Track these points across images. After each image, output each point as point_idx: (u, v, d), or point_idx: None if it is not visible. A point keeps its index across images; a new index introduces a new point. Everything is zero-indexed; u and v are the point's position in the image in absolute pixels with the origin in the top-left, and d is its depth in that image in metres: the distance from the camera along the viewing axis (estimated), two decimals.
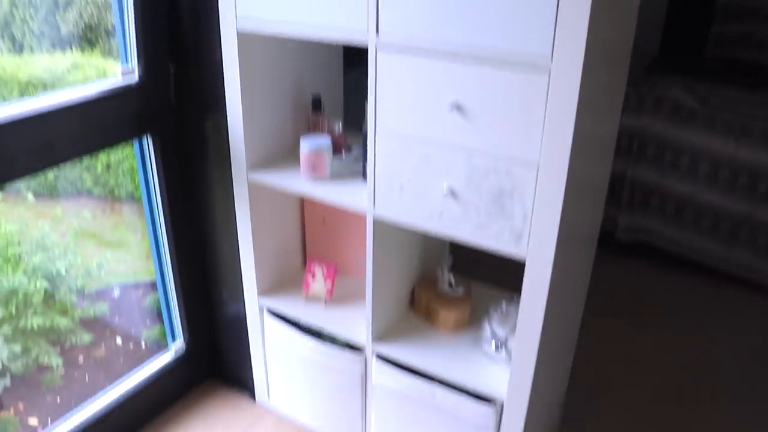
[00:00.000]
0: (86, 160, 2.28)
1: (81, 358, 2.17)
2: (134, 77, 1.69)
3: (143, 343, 2.09)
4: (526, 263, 1.37)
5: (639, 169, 2.82)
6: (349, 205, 1.57)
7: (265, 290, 1.91)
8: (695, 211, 2.75)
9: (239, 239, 1.84)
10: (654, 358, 2.39)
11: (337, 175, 1.68)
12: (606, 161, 1.66)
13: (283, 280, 1.96)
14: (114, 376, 1.99)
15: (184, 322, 2.07)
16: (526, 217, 1.33)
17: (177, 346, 2.10)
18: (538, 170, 1.28)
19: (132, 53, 1.68)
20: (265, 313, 1.91)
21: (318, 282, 1.85)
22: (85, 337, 2.15)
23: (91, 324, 2.20)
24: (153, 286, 2.23)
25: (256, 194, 1.76)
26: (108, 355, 2.20)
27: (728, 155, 2.62)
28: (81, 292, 2.19)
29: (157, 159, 1.82)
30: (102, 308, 2.24)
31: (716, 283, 2.81)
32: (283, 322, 1.87)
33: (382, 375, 1.72)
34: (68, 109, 1.55)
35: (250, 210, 1.76)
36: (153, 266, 2.03)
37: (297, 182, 1.66)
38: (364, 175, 1.62)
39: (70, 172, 2.27)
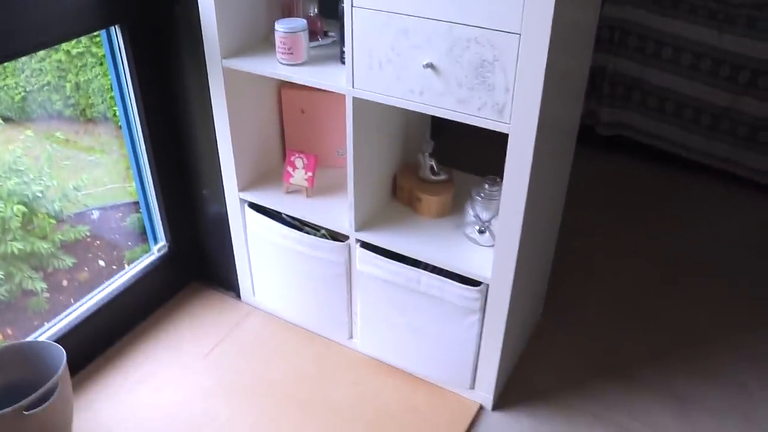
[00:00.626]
0: (53, 81, 2.21)
1: (65, 282, 2.16)
2: None
3: (126, 264, 2.08)
4: (509, 137, 1.35)
5: (620, 61, 2.78)
6: (327, 85, 1.53)
7: (245, 185, 1.88)
8: (677, 103, 2.73)
9: (216, 132, 1.79)
10: (635, 248, 2.43)
11: (314, 60, 1.63)
12: (586, 51, 1.61)
13: (263, 174, 1.93)
14: None
15: (165, 223, 2.04)
16: (508, 90, 1.29)
17: (159, 247, 2.08)
18: (520, 39, 1.24)
19: None
20: (246, 207, 1.89)
21: (299, 173, 1.82)
22: (68, 261, 2.13)
23: (72, 247, 2.18)
24: (132, 206, 2.20)
25: (231, 83, 1.70)
26: (91, 278, 2.19)
27: (711, 45, 2.58)
28: (60, 216, 2.15)
29: (127, 50, 1.74)
30: (82, 231, 2.21)
31: (697, 176, 2.83)
32: (265, 215, 1.85)
33: (366, 263, 1.72)
34: None
35: (227, 100, 1.71)
36: (131, 184, 1.98)
37: (273, 66, 1.61)
38: (342, 59, 1.57)
39: (39, 94, 2.20)
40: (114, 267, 2.20)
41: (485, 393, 1.77)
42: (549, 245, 1.89)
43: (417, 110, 1.43)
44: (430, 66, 1.35)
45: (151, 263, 2.06)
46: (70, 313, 1.86)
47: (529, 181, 1.38)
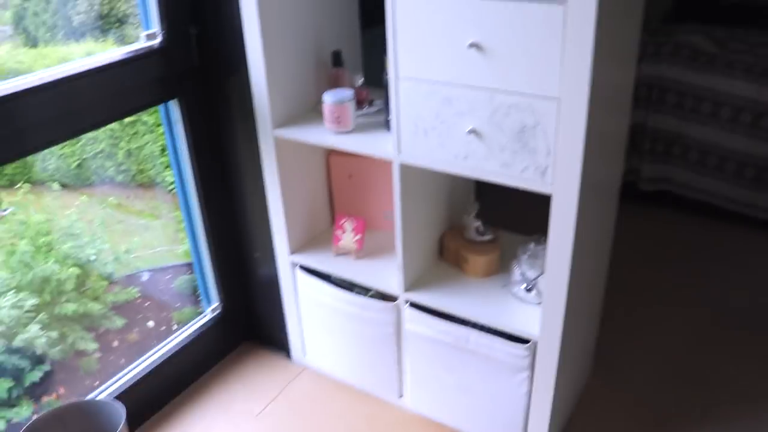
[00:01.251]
0: (107, 148, 2.33)
1: (115, 342, 2.24)
2: (156, 41, 1.72)
3: (174, 325, 2.15)
4: (552, 198, 1.39)
5: (659, 117, 2.81)
6: (375, 152, 1.60)
7: (296, 248, 1.95)
8: (718, 157, 2.74)
9: (268, 197, 1.88)
10: (683, 303, 2.40)
11: (360, 128, 1.71)
12: (624, 110, 1.66)
13: (313, 238, 2.00)
14: None
15: (218, 284, 2.12)
16: (550, 152, 1.34)
17: (212, 309, 2.15)
18: (558, 103, 1.30)
19: (153, 18, 1.71)
20: (297, 270, 1.95)
21: (347, 236, 1.88)
22: (118, 322, 2.21)
23: (123, 308, 2.26)
24: (181, 268, 2.28)
25: (282, 151, 1.79)
26: (141, 338, 2.26)
27: (750, 98, 2.60)
28: (111, 278, 2.24)
29: (184, 122, 1.86)
30: (133, 293, 2.30)
31: (742, 230, 2.80)
32: (316, 277, 1.91)
33: (415, 322, 1.75)
34: (91, 73, 1.59)
35: (278, 167, 1.80)
36: (181, 247, 2.06)
37: (322, 135, 1.69)
38: (388, 125, 1.65)
39: (93, 161, 2.32)
40: (163, 328, 2.27)
41: None
42: (596, 302, 1.90)
43: (462, 174, 1.49)
44: (474, 132, 1.41)
45: (204, 324, 2.13)
46: (127, 373, 1.93)
47: (573, 239, 1.41)
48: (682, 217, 2.92)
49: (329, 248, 1.94)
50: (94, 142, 2.32)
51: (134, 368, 1.95)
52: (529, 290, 1.65)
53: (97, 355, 2.14)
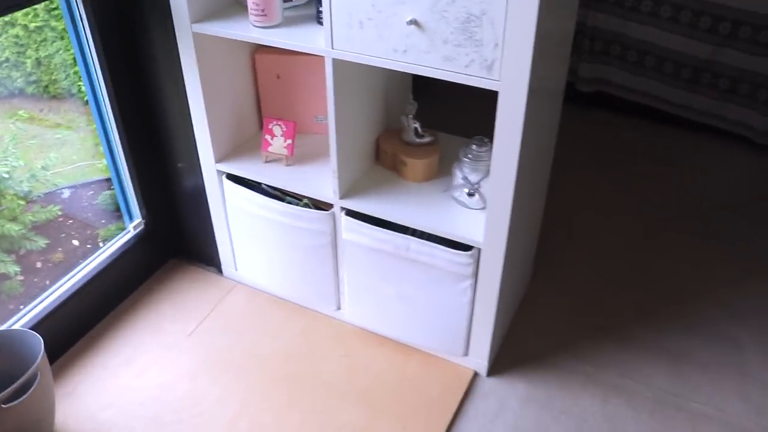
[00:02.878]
0: (12, 57, 2.09)
1: (39, 263, 2.08)
2: None
3: (101, 243, 1.99)
4: (499, 95, 1.29)
5: (599, 15, 2.72)
6: (305, 47, 1.45)
7: (222, 156, 1.80)
8: (656, 57, 2.69)
9: (189, 102, 1.71)
10: (619, 205, 2.41)
11: (289, 21, 1.55)
12: (572, 5, 1.55)
13: (240, 144, 1.86)
14: None
15: (140, 199, 1.96)
16: (497, 45, 1.23)
17: (135, 225, 2.00)
18: None
19: None
20: (224, 179, 1.81)
21: (277, 141, 1.75)
22: (40, 242, 2.05)
23: (44, 228, 2.09)
24: (104, 183, 2.11)
25: (203, 49, 1.61)
26: (66, 258, 2.11)
27: None
28: (29, 196, 2.06)
29: (89, 20, 1.64)
30: (54, 211, 2.12)
31: (678, 131, 2.81)
32: (244, 186, 1.78)
33: (352, 231, 1.66)
34: None
35: (198, 67, 1.62)
36: (102, 160, 1.89)
37: (246, 30, 1.52)
38: (319, 19, 1.50)
39: None
40: (89, 246, 2.12)
41: (479, 359, 1.75)
42: (538, 207, 1.85)
43: (401, 70, 1.36)
44: (414, 23, 1.28)
45: (127, 242, 1.98)
46: (45, 298, 1.79)
47: (521, 141, 1.32)
48: (618, 119, 2.90)
49: (258, 155, 1.80)
50: None
51: (54, 292, 1.81)
52: (471, 195, 1.58)
53: (20, 278, 2.00)
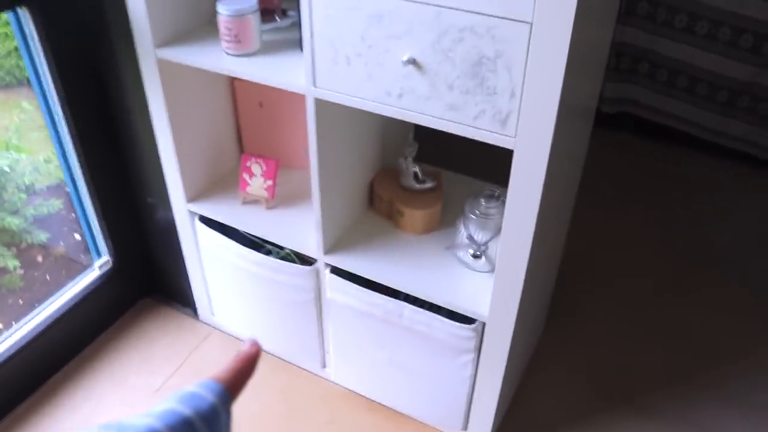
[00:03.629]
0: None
1: (39, 258, 1.95)
2: None
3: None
4: (514, 154, 1.05)
5: (627, 30, 2.46)
6: (282, 84, 1.22)
7: (194, 195, 1.58)
8: (689, 77, 2.44)
9: (156, 135, 1.49)
10: (643, 242, 2.16)
11: (269, 48, 1.32)
12: (608, 24, 1.31)
13: (217, 181, 1.63)
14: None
15: (107, 235, 1.74)
16: (515, 95, 1.00)
17: (101, 264, 1.78)
18: (531, 29, 0.94)
19: None
20: (197, 221, 1.59)
21: (256, 181, 1.52)
22: (41, 236, 1.91)
23: (45, 222, 1.94)
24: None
25: (169, 76, 1.39)
26: (67, 251, 1.95)
27: (730, 11, 2.27)
28: (31, 189, 1.91)
29: (41, 38, 1.42)
30: (56, 205, 1.95)
31: (708, 159, 2.55)
32: (218, 231, 1.56)
33: (338, 291, 1.44)
34: None
35: (164, 96, 1.40)
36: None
37: (217, 58, 1.29)
38: (301, 45, 1.27)
39: (5, 60, 1.90)
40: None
41: None
42: (555, 258, 1.62)
43: (395, 117, 1.13)
44: (412, 62, 1.05)
45: (93, 282, 1.76)
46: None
47: (539, 204, 1.09)
48: (644, 142, 2.65)
49: (234, 193, 1.58)
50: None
51: (5, 340, 1.60)
52: (477, 257, 1.35)
53: (20, 272, 1.87)
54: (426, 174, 1.47)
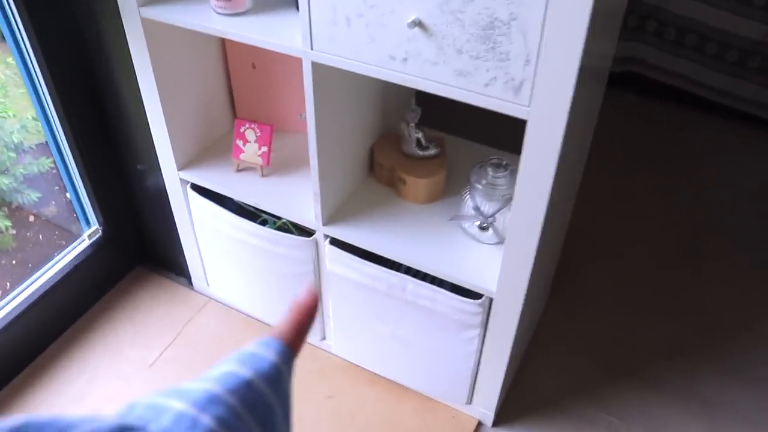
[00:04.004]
0: None
1: (31, 218, 1.88)
2: None
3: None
4: (528, 124, 0.98)
5: None
6: (276, 46, 1.14)
7: (185, 162, 1.51)
8: (699, 35, 2.34)
9: (144, 100, 1.40)
10: (648, 209, 2.11)
11: (261, 7, 1.23)
12: None
13: (209, 146, 1.56)
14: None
15: (95, 203, 1.68)
16: (529, 61, 0.92)
17: (91, 233, 1.71)
18: None
19: None
20: (189, 190, 1.52)
21: (250, 147, 1.45)
22: (32, 195, 1.83)
23: (36, 181, 1.88)
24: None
25: (155, 36, 1.30)
26: (59, 212, 1.88)
27: None
28: (20, 148, 1.83)
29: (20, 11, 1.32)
30: (46, 164, 1.87)
31: (717, 120, 2.48)
32: (212, 200, 1.49)
33: (338, 263, 1.38)
34: None
35: (150, 58, 1.31)
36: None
37: (206, 18, 1.21)
38: (296, 4, 1.18)
39: None
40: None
41: (484, 409, 1.49)
42: (563, 228, 1.56)
43: (399, 83, 1.05)
44: (418, 24, 0.97)
45: (83, 251, 1.70)
46: None
47: (554, 175, 1.03)
48: (649, 103, 2.57)
49: (227, 160, 1.51)
50: None
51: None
52: (484, 228, 1.29)
53: (13, 232, 1.82)
54: (429, 140, 1.40)
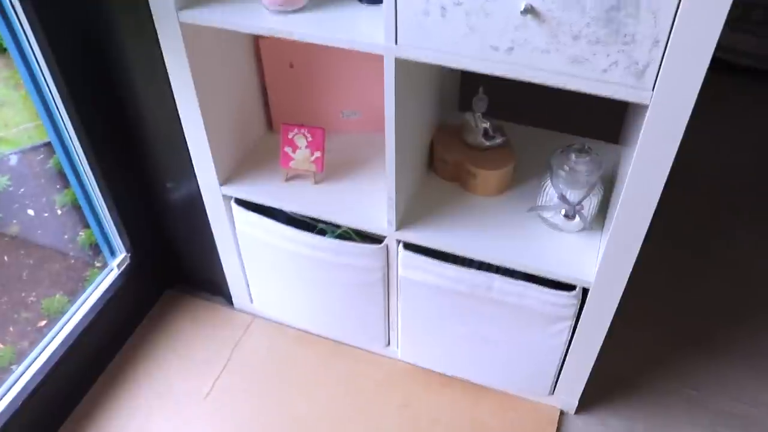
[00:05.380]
0: None
1: None
2: None
3: (58, 210, 1.60)
4: (649, 108, 0.92)
5: None
6: (353, 43, 1.03)
7: (227, 175, 1.39)
8: None
9: (180, 111, 1.28)
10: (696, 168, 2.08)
11: (318, 1, 1.12)
12: None
13: (247, 156, 1.45)
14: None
15: (121, 229, 1.54)
16: (659, 42, 0.85)
17: (119, 262, 1.58)
18: None
19: None
20: (233, 205, 1.41)
21: (301, 153, 1.34)
22: None
23: None
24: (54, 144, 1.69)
25: (194, 43, 1.17)
26: (22, 230, 1.75)
27: None
28: None
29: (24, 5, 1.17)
30: (2, 182, 1.78)
31: (718, 75, 2.47)
32: (261, 214, 1.38)
33: (413, 268, 1.30)
34: None
35: (190, 66, 1.19)
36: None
37: (260, 17, 1.09)
38: None
39: None
40: (46, 214, 1.74)
41: (568, 397, 1.45)
42: None
43: (500, 74, 0.97)
44: (530, 10, 0.88)
45: (113, 283, 1.57)
46: (22, 374, 1.39)
47: (672, 159, 0.97)
48: None
49: (273, 168, 1.40)
50: None
51: (31, 365, 1.41)
52: (569, 217, 1.23)
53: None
54: (494, 129, 1.32)
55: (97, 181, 1.44)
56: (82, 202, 1.49)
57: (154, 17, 1.14)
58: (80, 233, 1.66)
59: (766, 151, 2.16)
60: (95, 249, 1.62)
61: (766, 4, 2.27)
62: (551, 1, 0.86)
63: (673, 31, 0.83)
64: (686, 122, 0.91)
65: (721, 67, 2.42)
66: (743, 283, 1.74)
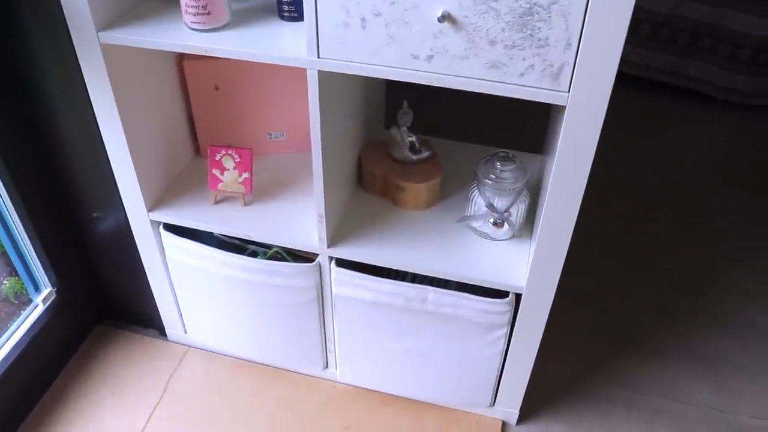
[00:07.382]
0: None
1: None
2: None
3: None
4: (567, 110, 0.95)
5: None
6: (276, 58, 1.04)
7: (155, 200, 1.36)
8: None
9: (103, 137, 1.25)
10: (609, 179, 2.17)
11: (238, 19, 1.12)
12: None
13: (175, 181, 1.42)
14: None
15: (46, 264, 1.48)
16: (571, 45, 0.89)
17: (44, 297, 1.51)
18: None
19: None
20: (162, 231, 1.38)
21: (230, 175, 1.33)
22: None
23: None
24: None
25: (116, 65, 1.15)
26: None
27: None
28: None
29: None
30: None
31: (636, 92, 2.59)
32: (189, 239, 1.35)
33: (347, 285, 1.29)
34: None
35: (113, 89, 1.16)
36: None
37: (183, 35, 1.08)
38: (282, 12, 1.09)
39: None
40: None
41: (509, 408, 1.45)
42: None
43: (422, 82, 0.99)
44: (447, 18, 0.91)
45: (38, 320, 1.50)
46: None
47: (591, 161, 1.00)
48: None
49: (201, 192, 1.38)
50: None
51: None
52: (498, 225, 1.25)
53: None
54: (420, 143, 1.34)
55: (19, 216, 1.38)
56: (9, 249, 1.43)
57: (73, 39, 1.12)
58: (4, 282, 1.57)
59: (690, 162, 2.27)
60: (21, 295, 1.55)
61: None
62: (467, 7, 0.89)
63: (583, 32, 0.87)
64: (602, 122, 0.95)
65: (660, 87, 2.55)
66: (672, 283, 1.81)
